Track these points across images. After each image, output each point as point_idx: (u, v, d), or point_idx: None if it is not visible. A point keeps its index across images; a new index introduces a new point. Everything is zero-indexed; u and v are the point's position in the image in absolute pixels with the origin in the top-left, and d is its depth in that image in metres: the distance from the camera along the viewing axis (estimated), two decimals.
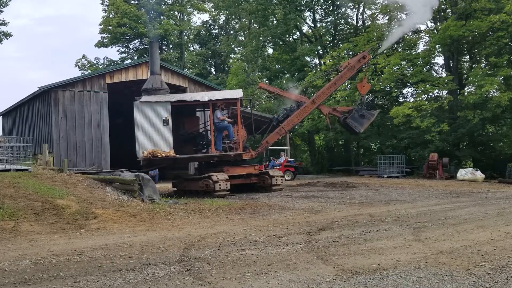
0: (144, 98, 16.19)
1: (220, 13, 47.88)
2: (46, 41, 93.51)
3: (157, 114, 16.03)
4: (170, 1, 47.77)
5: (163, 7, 46.32)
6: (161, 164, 18.46)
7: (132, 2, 46.62)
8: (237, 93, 17.59)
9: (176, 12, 47.20)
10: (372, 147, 35.14)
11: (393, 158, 26.14)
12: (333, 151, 35.90)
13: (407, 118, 25.16)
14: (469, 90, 26.49)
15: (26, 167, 14.14)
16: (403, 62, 27.93)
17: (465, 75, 27.70)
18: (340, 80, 20.24)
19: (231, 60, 48.90)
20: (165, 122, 16.06)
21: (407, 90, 32.25)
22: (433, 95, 29.07)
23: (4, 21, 31.25)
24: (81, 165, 21.60)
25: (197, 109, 20.19)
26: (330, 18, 36.72)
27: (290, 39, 38.92)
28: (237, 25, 48.99)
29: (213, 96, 17.38)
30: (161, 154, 15.80)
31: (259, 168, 19.26)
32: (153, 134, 15.97)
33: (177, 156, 16.28)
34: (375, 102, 33.34)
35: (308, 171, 33.85)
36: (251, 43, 38.60)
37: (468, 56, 29.11)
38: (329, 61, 31.95)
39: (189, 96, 18.39)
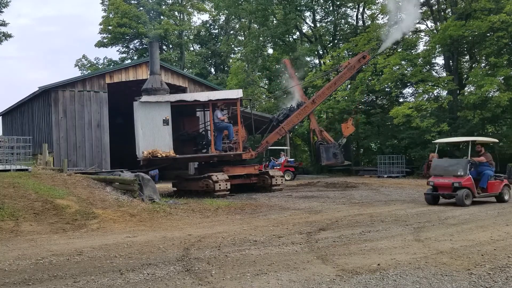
0: (144, 98, 16.19)
1: (220, 13, 47.88)
2: (46, 41, 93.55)
3: (157, 114, 16.04)
4: (170, 1, 47.78)
5: (163, 7, 46.34)
6: (161, 164, 18.46)
7: (132, 2, 46.64)
8: (237, 93, 17.60)
9: (176, 12, 47.21)
10: (372, 147, 35.14)
11: (393, 158, 26.14)
12: None
13: (407, 118, 25.16)
14: (469, 90, 26.50)
15: (26, 167, 14.13)
16: (403, 62, 27.93)
17: (465, 75, 27.71)
18: (340, 80, 20.27)
19: (231, 60, 48.91)
20: (165, 122, 16.06)
21: (407, 90, 32.31)
22: (433, 95, 29.08)
23: (4, 21, 31.20)
24: (81, 165, 21.58)
25: (197, 109, 20.19)
26: (330, 18, 36.72)
27: (290, 39, 38.93)
28: (237, 25, 49.00)
29: (213, 96, 17.38)
30: (161, 154, 15.81)
31: (259, 168, 19.26)
32: (153, 134, 15.98)
33: (177, 156, 16.28)
34: (375, 102, 33.37)
35: (308, 171, 33.84)
36: (251, 43, 38.61)
37: (468, 56, 29.10)
38: (329, 61, 31.95)
39: (189, 96, 18.40)
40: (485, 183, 12.99)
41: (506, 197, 13.42)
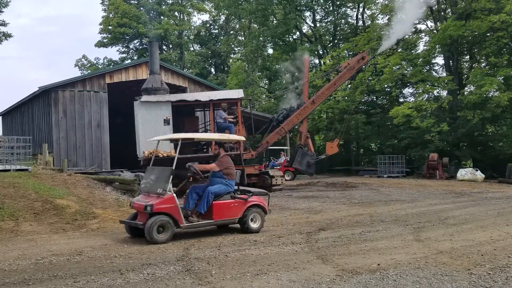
0: (145, 97, 16.17)
1: (220, 13, 47.91)
2: (46, 41, 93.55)
3: (158, 114, 16.04)
4: (170, 1, 47.81)
5: (163, 7, 46.36)
6: (161, 164, 18.42)
7: (132, 2, 46.66)
8: (237, 93, 17.62)
9: (176, 12, 47.24)
10: (372, 147, 35.15)
11: (393, 158, 26.15)
12: None
13: (407, 118, 25.18)
14: (469, 90, 26.52)
15: (26, 167, 14.14)
16: (403, 62, 27.96)
17: (465, 75, 27.73)
18: (340, 81, 20.42)
19: (231, 60, 48.93)
20: (166, 122, 16.05)
21: (407, 90, 32.35)
22: (433, 95, 29.11)
23: (4, 21, 31.20)
24: (81, 165, 21.57)
25: (196, 109, 20.17)
26: (330, 18, 36.76)
27: (290, 39, 38.94)
28: (237, 25, 49.02)
29: (214, 96, 17.38)
30: (162, 154, 15.78)
31: (259, 168, 19.27)
32: (154, 134, 15.93)
33: (178, 156, 16.22)
34: (375, 102, 33.37)
35: None
36: (251, 43, 38.63)
37: (468, 56, 29.13)
38: (329, 61, 31.97)
39: (190, 96, 18.38)
40: (205, 205, 8.39)
41: (255, 225, 8.82)
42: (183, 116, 18.11)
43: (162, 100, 16.21)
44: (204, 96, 17.59)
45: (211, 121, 16.91)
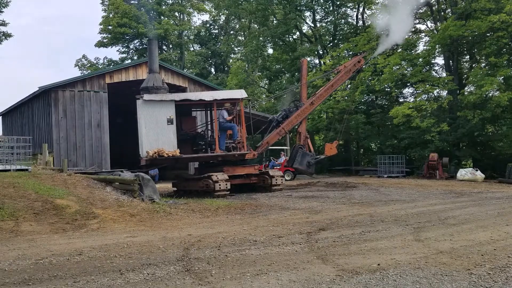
0: (148, 96, 16.02)
1: (220, 13, 47.93)
2: (47, 40, 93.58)
3: (161, 113, 15.85)
4: (170, 1, 47.84)
5: (163, 7, 46.39)
6: (162, 164, 18.40)
7: (132, 2, 46.68)
8: (240, 93, 17.60)
9: (176, 12, 47.26)
10: (372, 147, 35.15)
11: (393, 158, 26.15)
12: None
13: (407, 118, 25.18)
14: (469, 90, 26.52)
15: (26, 167, 14.15)
16: (403, 62, 27.95)
17: (465, 75, 27.73)
18: (337, 83, 20.66)
19: (231, 60, 48.95)
20: (169, 121, 15.95)
21: (407, 90, 32.35)
22: (433, 95, 29.11)
23: (4, 21, 31.18)
24: (81, 165, 21.60)
25: (193, 109, 20.14)
26: (330, 18, 36.75)
27: (290, 39, 38.95)
28: (237, 25, 49.04)
29: (218, 95, 17.35)
30: (167, 153, 15.69)
31: (259, 168, 19.27)
32: (157, 133, 15.82)
33: (183, 156, 16.18)
34: (375, 102, 33.38)
35: None
36: (251, 43, 38.64)
37: (468, 56, 29.13)
38: (329, 61, 31.98)
39: (194, 96, 18.29)
40: None
41: None
42: (181, 116, 18.02)
43: (166, 99, 16.08)
44: (208, 95, 17.51)
45: (215, 120, 16.86)
